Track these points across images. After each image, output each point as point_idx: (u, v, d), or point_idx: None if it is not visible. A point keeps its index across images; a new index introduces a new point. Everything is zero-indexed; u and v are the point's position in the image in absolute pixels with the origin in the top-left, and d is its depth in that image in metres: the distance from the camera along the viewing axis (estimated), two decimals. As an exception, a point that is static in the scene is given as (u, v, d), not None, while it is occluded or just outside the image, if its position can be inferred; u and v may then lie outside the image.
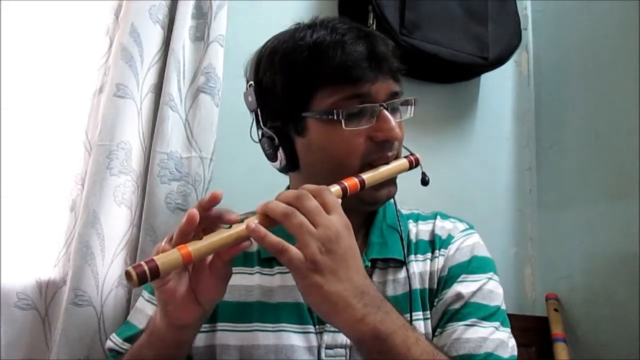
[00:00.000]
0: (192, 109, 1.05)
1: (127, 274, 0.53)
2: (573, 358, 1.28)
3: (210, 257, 0.61)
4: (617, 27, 1.34)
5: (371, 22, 1.25)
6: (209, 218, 0.61)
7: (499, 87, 1.55)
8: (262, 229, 0.57)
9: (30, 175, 0.97)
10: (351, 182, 0.69)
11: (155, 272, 0.53)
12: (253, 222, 0.58)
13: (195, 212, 0.58)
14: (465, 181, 1.45)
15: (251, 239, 0.59)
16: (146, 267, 0.53)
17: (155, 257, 0.54)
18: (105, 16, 1.04)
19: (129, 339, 0.75)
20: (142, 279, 0.53)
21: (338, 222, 0.59)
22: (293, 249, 0.56)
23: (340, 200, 0.63)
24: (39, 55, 1.00)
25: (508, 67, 1.50)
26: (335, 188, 0.66)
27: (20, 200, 0.96)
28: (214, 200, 0.60)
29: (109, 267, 0.94)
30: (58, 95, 1.01)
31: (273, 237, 0.57)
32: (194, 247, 0.56)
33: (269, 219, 0.60)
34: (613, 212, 1.29)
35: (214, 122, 1.05)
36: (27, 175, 0.97)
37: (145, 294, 0.80)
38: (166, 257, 0.55)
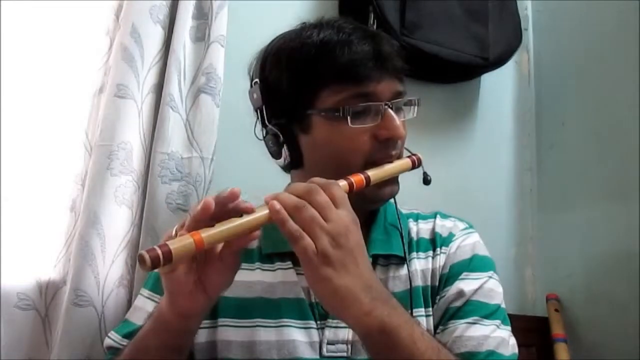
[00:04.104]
0: (192, 109, 1.05)
1: (141, 258, 0.52)
2: (573, 358, 1.28)
3: (220, 247, 0.61)
4: (617, 27, 1.34)
5: (372, 22, 1.24)
6: (222, 212, 0.60)
7: (499, 88, 1.55)
8: (285, 213, 0.57)
9: (31, 176, 0.97)
10: (357, 178, 0.69)
11: (168, 257, 0.53)
12: (277, 204, 0.58)
13: (210, 200, 0.58)
14: (465, 181, 1.45)
15: (257, 230, 0.60)
16: (160, 252, 0.52)
17: (168, 242, 0.54)
18: (106, 16, 1.03)
19: (128, 336, 0.75)
20: (155, 264, 0.52)
21: (347, 216, 0.59)
22: (308, 239, 0.56)
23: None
24: (39, 55, 0.99)
25: (508, 67, 1.50)
26: (343, 183, 0.67)
27: (21, 200, 0.95)
28: (233, 197, 0.60)
29: (110, 267, 0.94)
30: (58, 95, 1.01)
31: (293, 224, 0.57)
32: (206, 234, 0.56)
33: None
34: (613, 212, 1.29)
35: (215, 123, 1.05)
36: (27, 175, 0.97)
37: (145, 291, 0.80)
38: (179, 242, 0.54)
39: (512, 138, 1.56)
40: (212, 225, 0.57)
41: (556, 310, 1.36)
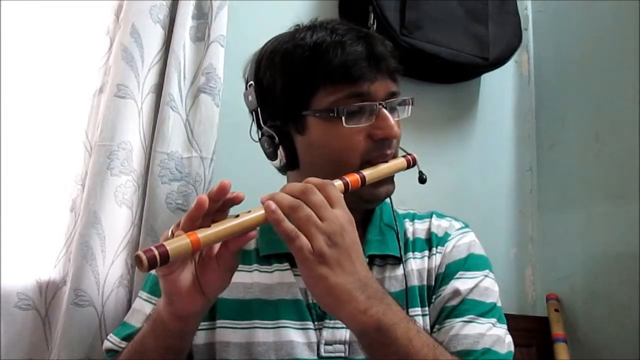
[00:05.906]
0: (192, 109, 1.05)
1: (138, 258, 0.52)
2: (573, 358, 1.28)
3: (217, 248, 0.61)
4: (617, 27, 1.33)
5: (372, 22, 1.24)
6: (217, 209, 0.61)
7: (499, 88, 1.55)
8: (281, 213, 0.58)
9: (31, 176, 0.97)
10: (352, 178, 0.69)
11: (165, 257, 0.53)
12: (272, 204, 0.58)
13: (205, 197, 0.59)
14: (465, 181, 1.45)
15: (254, 230, 0.60)
16: (156, 252, 0.52)
17: (165, 243, 0.54)
18: (106, 16, 1.04)
19: (127, 338, 0.75)
20: (152, 264, 0.52)
21: (342, 216, 0.60)
22: (304, 239, 0.57)
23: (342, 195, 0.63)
24: (39, 56, 1.00)
25: (508, 67, 1.50)
26: (338, 182, 0.67)
27: (21, 200, 0.96)
28: (223, 190, 0.60)
29: (110, 267, 0.94)
30: (58, 95, 1.01)
31: (288, 223, 0.57)
32: (202, 234, 0.56)
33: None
34: (613, 212, 1.29)
35: (215, 123, 1.06)
36: (28, 175, 0.97)
37: (143, 294, 0.81)
38: (176, 243, 0.54)
39: (512, 138, 1.56)
40: (209, 226, 0.57)
41: (556, 310, 1.36)
